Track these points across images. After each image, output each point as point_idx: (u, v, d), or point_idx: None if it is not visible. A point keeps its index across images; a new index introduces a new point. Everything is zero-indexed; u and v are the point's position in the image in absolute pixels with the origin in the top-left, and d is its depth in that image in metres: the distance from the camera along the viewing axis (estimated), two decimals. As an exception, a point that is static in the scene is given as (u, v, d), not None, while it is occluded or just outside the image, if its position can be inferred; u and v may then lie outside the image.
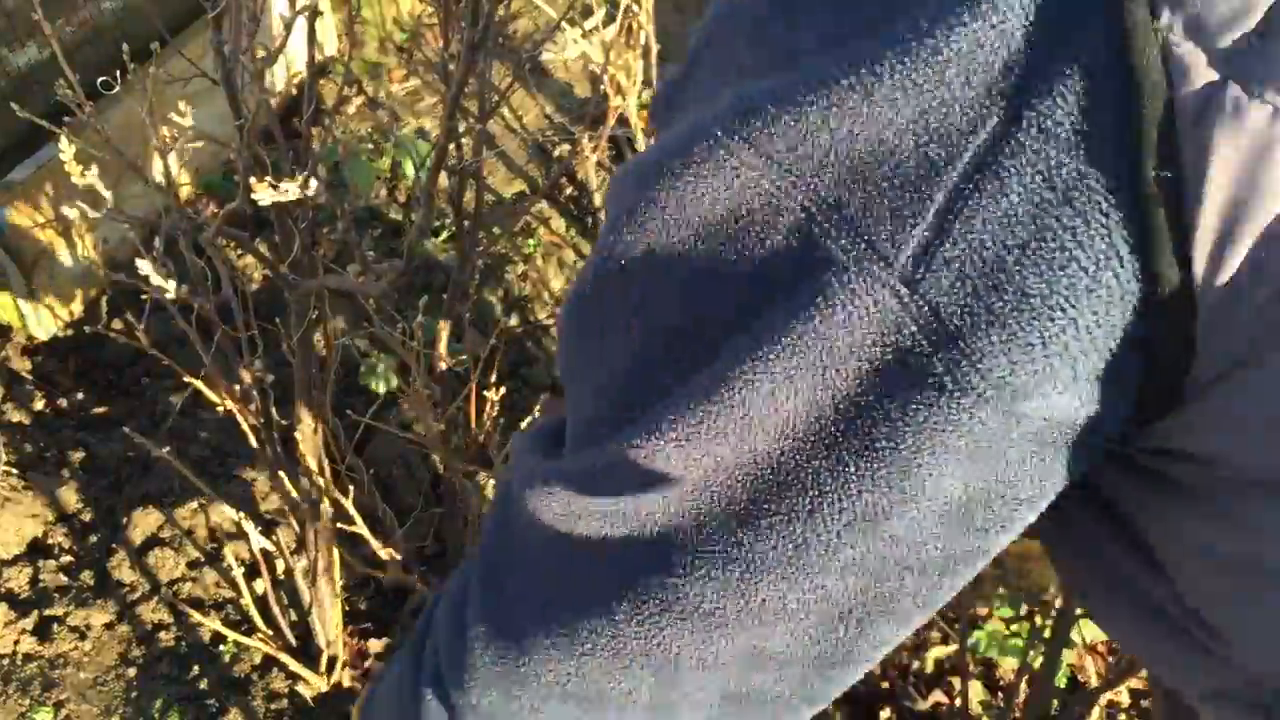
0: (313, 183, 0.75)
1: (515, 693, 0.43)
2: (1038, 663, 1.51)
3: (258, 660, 1.61)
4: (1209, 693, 0.36)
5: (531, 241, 2.26)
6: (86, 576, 1.68)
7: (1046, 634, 1.52)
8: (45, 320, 1.96)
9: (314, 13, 0.80)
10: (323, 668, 1.56)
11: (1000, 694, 1.69)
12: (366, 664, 1.62)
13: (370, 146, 2.39)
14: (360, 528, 1.32)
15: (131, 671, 1.60)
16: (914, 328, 0.32)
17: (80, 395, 1.92)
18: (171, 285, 0.86)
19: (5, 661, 1.58)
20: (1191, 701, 0.38)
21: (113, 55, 1.00)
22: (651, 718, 0.42)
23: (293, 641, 1.58)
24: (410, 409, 1.27)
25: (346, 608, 1.63)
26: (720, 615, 0.38)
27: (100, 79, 1.07)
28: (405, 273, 0.97)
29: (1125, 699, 1.68)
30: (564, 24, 1.74)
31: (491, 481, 1.45)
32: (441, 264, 2.15)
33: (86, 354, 1.98)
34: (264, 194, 0.74)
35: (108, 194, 0.88)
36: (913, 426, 0.33)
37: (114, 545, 1.72)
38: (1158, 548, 0.35)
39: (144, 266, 0.83)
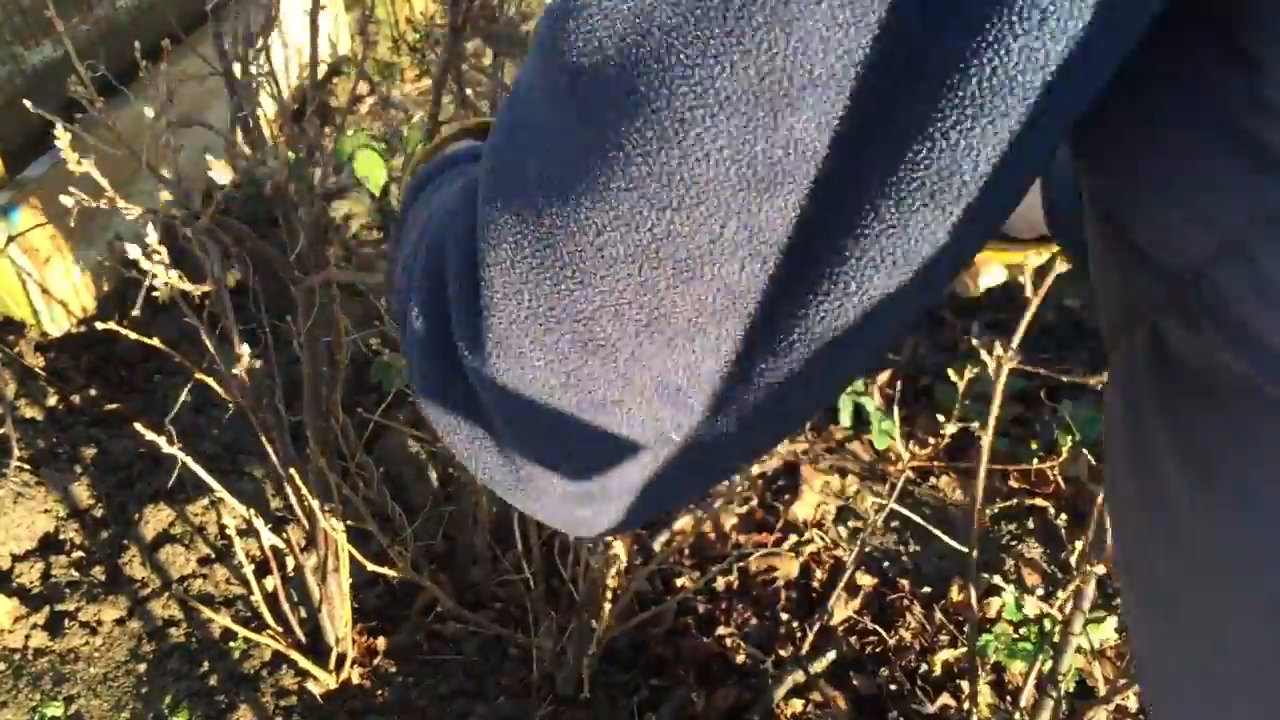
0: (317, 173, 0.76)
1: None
2: (1047, 666, 1.51)
3: (267, 657, 1.62)
4: (1244, 221, 0.33)
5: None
6: (98, 572, 1.69)
7: (1055, 638, 1.52)
8: (58, 317, 1.97)
9: (317, 7, 0.81)
10: (332, 665, 1.57)
11: (1009, 698, 1.68)
12: (375, 661, 1.63)
13: (383, 145, 2.40)
14: (370, 525, 1.33)
15: (142, 667, 1.60)
16: None
17: (92, 391, 1.93)
18: (162, 270, 0.86)
19: (17, 656, 1.59)
20: (1203, 261, 0.35)
21: (128, 53, 1.00)
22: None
23: (302, 638, 1.59)
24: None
25: (356, 605, 1.63)
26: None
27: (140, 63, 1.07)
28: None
29: (1133, 704, 1.67)
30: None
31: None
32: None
33: (99, 350, 1.99)
34: (221, 172, 0.75)
35: (104, 180, 0.89)
36: None
37: (125, 541, 1.72)
38: (1253, 23, 0.32)
39: (132, 250, 0.84)
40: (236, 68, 0.90)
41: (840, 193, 0.33)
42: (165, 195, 0.95)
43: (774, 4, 0.30)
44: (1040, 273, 1.27)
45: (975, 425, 1.72)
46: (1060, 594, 1.77)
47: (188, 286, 0.90)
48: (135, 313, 0.89)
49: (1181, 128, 0.35)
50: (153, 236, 0.84)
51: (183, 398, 1.57)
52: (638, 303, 0.37)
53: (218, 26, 0.91)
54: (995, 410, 1.13)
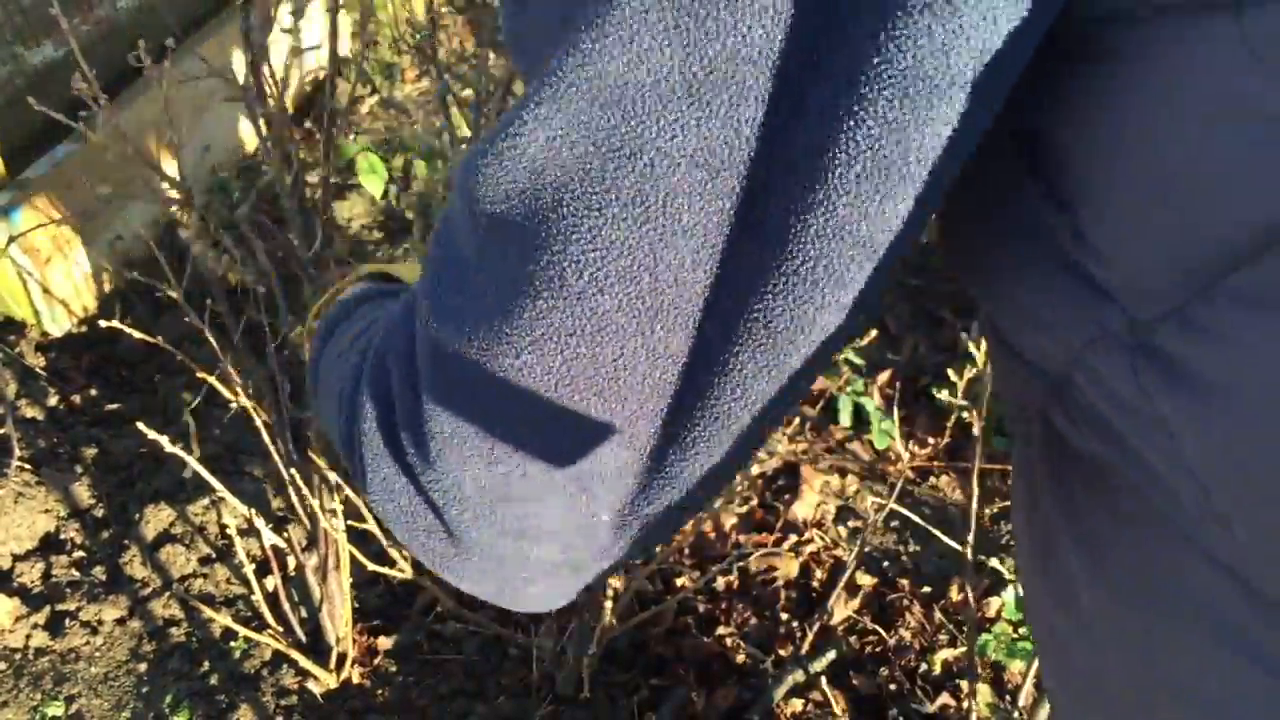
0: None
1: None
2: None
3: (268, 656, 1.62)
4: (1086, 341, 0.37)
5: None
6: (98, 572, 1.69)
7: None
8: (59, 317, 1.97)
9: (336, 8, 0.81)
10: (332, 664, 1.57)
11: (1009, 697, 1.68)
12: (376, 660, 1.63)
13: (383, 146, 2.40)
14: (371, 525, 1.33)
15: (142, 667, 1.60)
16: None
17: (94, 391, 1.93)
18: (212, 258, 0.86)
19: (17, 656, 1.59)
20: (1063, 367, 0.39)
21: (129, 53, 1.01)
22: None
23: (303, 638, 1.59)
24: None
25: (356, 605, 1.63)
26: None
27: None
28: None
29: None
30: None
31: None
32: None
33: (100, 350, 1.99)
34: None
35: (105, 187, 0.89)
36: None
37: (126, 541, 1.73)
38: (1064, 170, 0.36)
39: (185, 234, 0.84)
40: (239, 70, 0.91)
41: (720, 310, 0.38)
42: (173, 194, 0.95)
43: (642, 167, 0.35)
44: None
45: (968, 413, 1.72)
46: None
47: (243, 278, 0.89)
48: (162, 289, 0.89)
49: (1023, 254, 0.39)
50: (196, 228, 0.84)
51: (192, 400, 1.57)
52: (558, 412, 0.41)
53: (245, 20, 0.90)
54: (987, 395, 1.14)
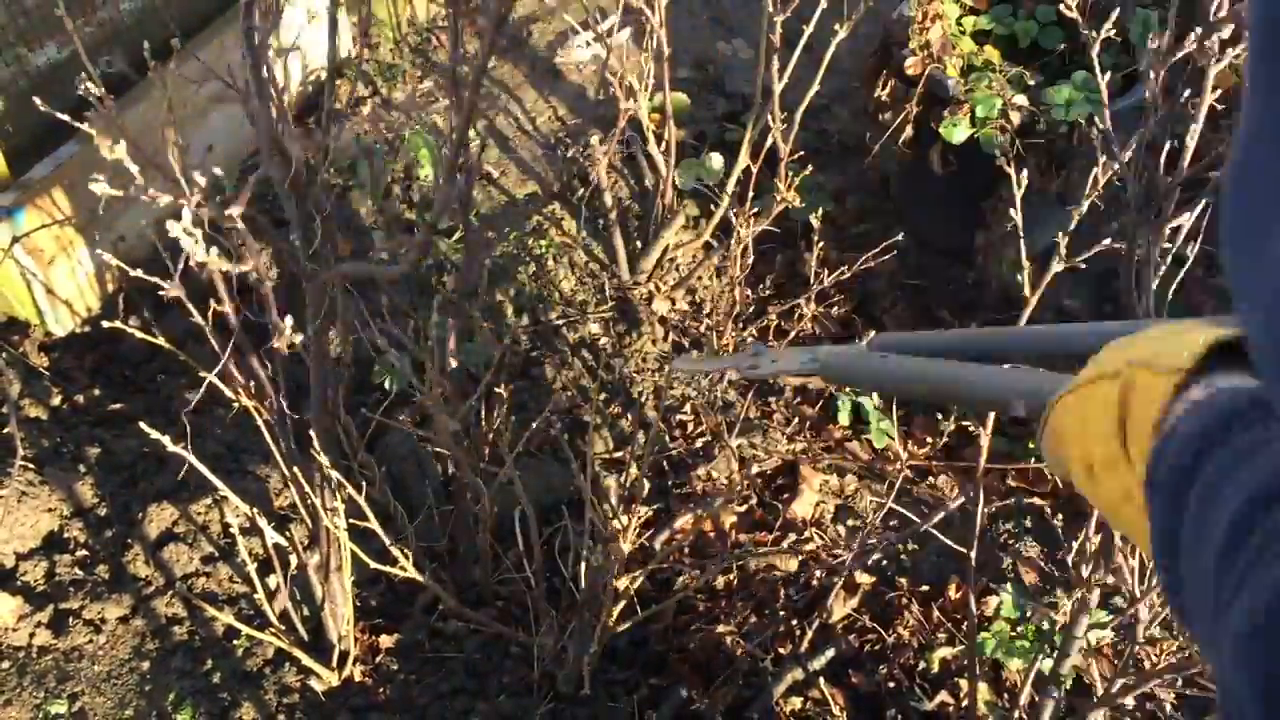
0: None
1: None
2: (1046, 665, 1.52)
3: (270, 654, 1.63)
4: None
5: (543, 242, 2.28)
6: (102, 571, 1.70)
7: (1055, 637, 1.52)
8: (63, 317, 1.98)
9: (335, 8, 0.82)
10: (334, 662, 1.58)
11: (1006, 695, 1.69)
12: (377, 659, 1.64)
13: (385, 147, 2.41)
14: (372, 524, 1.34)
15: (145, 665, 1.61)
16: None
17: (97, 391, 1.94)
18: (203, 250, 0.87)
19: (21, 654, 1.60)
20: None
21: (131, 55, 1.02)
22: None
23: (305, 636, 1.60)
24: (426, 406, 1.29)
25: (358, 603, 1.64)
26: None
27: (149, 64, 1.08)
28: (421, 257, 0.99)
29: (1130, 702, 1.69)
30: (578, 28, 1.75)
31: (500, 479, 1.47)
32: (454, 264, 2.17)
33: (103, 350, 2.00)
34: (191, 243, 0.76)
35: (134, 167, 0.89)
36: None
37: (129, 540, 1.73)
38: None
39: (174, 228, 0.84)
40: (248, 69, 0.92)
41: None
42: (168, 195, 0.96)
43: None
44: (1038, 273, 1.28)
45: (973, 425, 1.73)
46: (1059, 593, 1.78)
47: (229, 266, 0.91)
48: (184, 266, 0.89)
49: None
50: (187, 220, 0.85)
51: (194, 400, 1.57)
52: None
53: (248, 20, 0.91)
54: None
